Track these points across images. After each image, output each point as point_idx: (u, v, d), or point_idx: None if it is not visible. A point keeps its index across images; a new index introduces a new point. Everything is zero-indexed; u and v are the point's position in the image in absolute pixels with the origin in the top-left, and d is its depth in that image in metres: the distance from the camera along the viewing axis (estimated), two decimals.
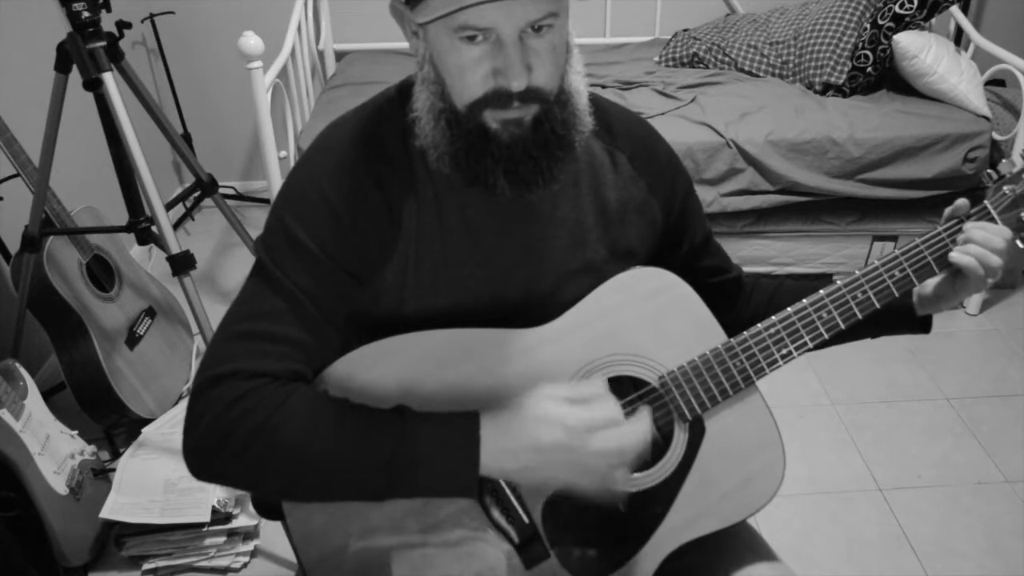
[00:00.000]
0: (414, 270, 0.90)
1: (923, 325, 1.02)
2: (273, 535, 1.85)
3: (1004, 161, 0.99)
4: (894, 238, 2.55)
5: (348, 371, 0.88)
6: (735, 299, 1.10)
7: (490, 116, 0.81)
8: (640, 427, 0.82)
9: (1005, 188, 0.96)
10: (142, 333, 2.16)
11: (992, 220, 0.96)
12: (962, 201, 0.96)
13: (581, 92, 0.86)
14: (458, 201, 0.90)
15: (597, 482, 0.83)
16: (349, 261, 0.87)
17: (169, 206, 2.12)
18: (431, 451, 0.80)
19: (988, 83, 2.65)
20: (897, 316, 1.01)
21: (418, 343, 0.88)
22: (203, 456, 0.83)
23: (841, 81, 2.60)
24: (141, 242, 2.03)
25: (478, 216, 0.91)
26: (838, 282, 0.95)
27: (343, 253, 0.87)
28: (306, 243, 0.85)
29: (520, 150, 0.82)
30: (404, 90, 0.91)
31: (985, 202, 0.97)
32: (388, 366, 0.88)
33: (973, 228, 0.94)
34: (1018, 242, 0.95)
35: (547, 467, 0.81)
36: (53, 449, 1.73)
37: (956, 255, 0.93)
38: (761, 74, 2.78)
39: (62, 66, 1.76)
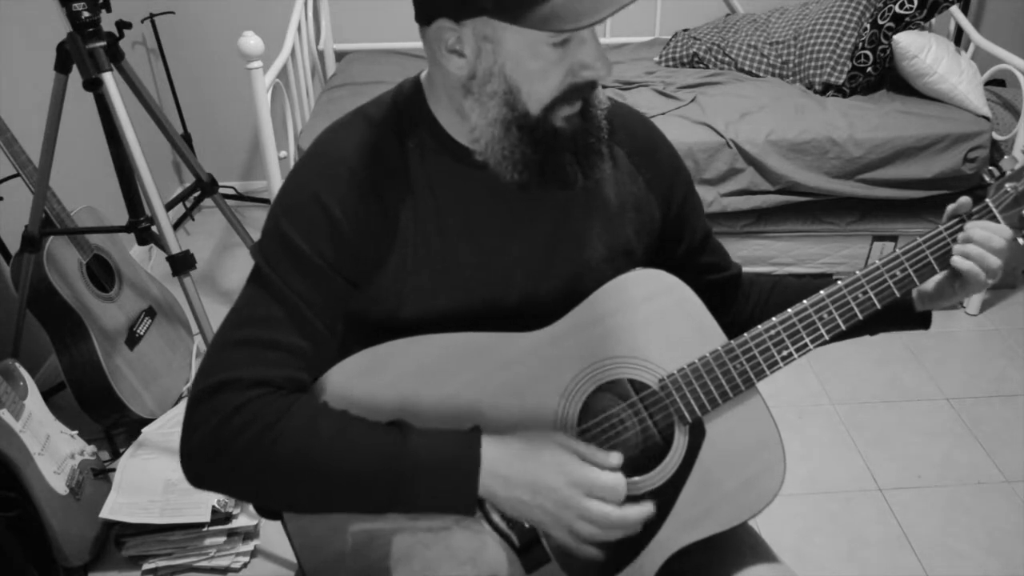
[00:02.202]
0: (412, 273, 0.90)
1: (923, 321, 1.02)
2: (273, 535, 1.85)
3: (1006, 158, 0.99)
4: (894, 238, 2.55)
5: (346, 378, 0.88)
6: (733, 297, 1.10)
7: (560, 114, 0.83)
8: (636, 513, 0.84)
9: (1007, 186, 0.96)
10: (142, 333, 2.15)
11: (994, 218, 0.95)
12: (964, 199, 0.96)
13: None
14: (457, 203, 0.90)
15: (570, 542, 0.85)
16: (346, 267, 0.87)
17: (169, 206, 2.13)
18: (430, 471, 0.81)
19: (988, 83, 2.65)
20: (896, 313, 1.01)
21: (416, 349, 0.88)
22: (201, 466, 0.83)
23: (841, 81, 2.60)
24: (141, 242, 2.03)
25: (477, 217, 0.91)
26: (839, 282, 0.94)
27: (340, 259, 0.87)
28: (303, 249, 0.85)
29: (581, 139, 0.85)
30: (399, 96, 0.91)
31: (987, 200, 0.96)
32: (387, 372, 0.88)
33: (974, 227, 0.93)
34: (1019, 240, 0.95)
35: (534, 508, 0.83)
36: (53, 449, 1.73)
37: (957, 259, 0.93)
38: (761, 74, 2.78)
39: (62, 66, 1.76)
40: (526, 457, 0.82)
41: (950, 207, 0.97)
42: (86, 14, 1.67)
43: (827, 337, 0.94)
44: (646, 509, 0.85)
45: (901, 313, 1.01)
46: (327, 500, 0.83)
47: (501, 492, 0.82)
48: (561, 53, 0.79)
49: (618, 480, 0.84)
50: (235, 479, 0.82)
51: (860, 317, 0.94)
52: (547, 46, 0.78)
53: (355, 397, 0.87)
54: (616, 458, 0.85)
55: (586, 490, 0.82)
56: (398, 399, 0.87)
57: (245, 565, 1.80)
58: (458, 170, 0.89)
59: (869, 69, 2.57)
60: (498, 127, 0.83)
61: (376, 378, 0.88)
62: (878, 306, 0.94)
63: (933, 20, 2.62)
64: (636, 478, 0.92)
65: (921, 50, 2.45)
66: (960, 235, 0.94)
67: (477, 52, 0.81)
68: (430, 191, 0.89)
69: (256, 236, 0.91)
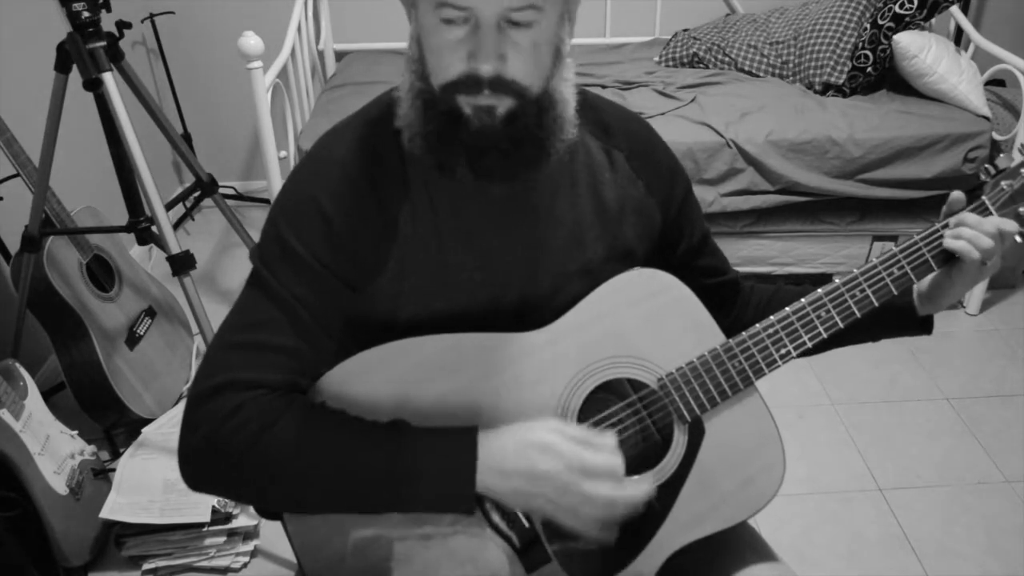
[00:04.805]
0: (410, 276, 0.90)
1: (924, 326, 1.02)
2: (273, 535, 1.85)
3: (1002, 156, 0.98)
4: (894, 238, 2.55)
5: (344, 380, 0.88)
6: (732, 302, 1.10)
7: (463, 101, 0.80)
8: (637, 490, 0.83)
9: (1003, 183, 0.95)
10: (142, 333, 2.15)
11: (990, 215, 0.95)
12: (957, 194, 0.95)
13: (567, 102, 0.85)
14: (454, 204, 0.90)
15: (579, 526, 0.84)
16: (344, 270, 0.87)
17: (169, 206, 2.13)
18: (428, 469, 0.81)
19: (988, 83, 2.64)
20: (898, 317, 1.01)
21: (414, 350, 0.88)
22: (198, 467, 0.83)
23: (841, 81, 2.60)
24: (141, 242, 2.03)
25: (475, 218, 0.90)
26: (836, 281, 0.94)
27: (338, 263, 0.87)
28: (301, 253, 0.85)
29: (488, 140, 0.81)
30: (397, 96, 0.91)
31: (983, 197, 0.96)
32: (384, 374, 0.88)
33: (966, 213, 0.93)
34: (1017, 238, 0.95)
35: (535, 496, 0.82)
36: (53, 449, 1.73)
37: (949, 241, 0.92)
38: (761, 74, 2.78)
39: (62, 66, 1.76)
40: (521, 448, 0.81)
41: (945, 206, 0.97)
42: (86, 14, 1.67)
43: (825, 336, 0.93)
44: (646, 486, 0.84)
45: (903, 317, 1.01)
46: (324, 501, 0.83)
47: (501, 486, 0.82)
48: (458, 35, 0.77)
49: (615, 460, 0.83)
50: (232, 480, 0.82)
51: (858, 315, 0.93)
52: (438, 21, 0.77)
53: (353, 397, 0.87)
54: (611, 438, 0.84)
55: (584, 473, 0.81)
56: (396, 399, 0.87)
57: (245, 565, 1.80)
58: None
59: (869, 69, 2.57)
60: (411, 94, 0.84)
61: (374, 378, 0.88)
62: (876, 304, 0.94)
63: (933, 20, 2.62)
64: (635, 477, 0.92)
65: (921, 50, 2.45)
66: (952, 220, 0.94)
67: (410, 17, 0.83)
68: (427, 193, 0.89)
69: (256, 236, 0.91)
